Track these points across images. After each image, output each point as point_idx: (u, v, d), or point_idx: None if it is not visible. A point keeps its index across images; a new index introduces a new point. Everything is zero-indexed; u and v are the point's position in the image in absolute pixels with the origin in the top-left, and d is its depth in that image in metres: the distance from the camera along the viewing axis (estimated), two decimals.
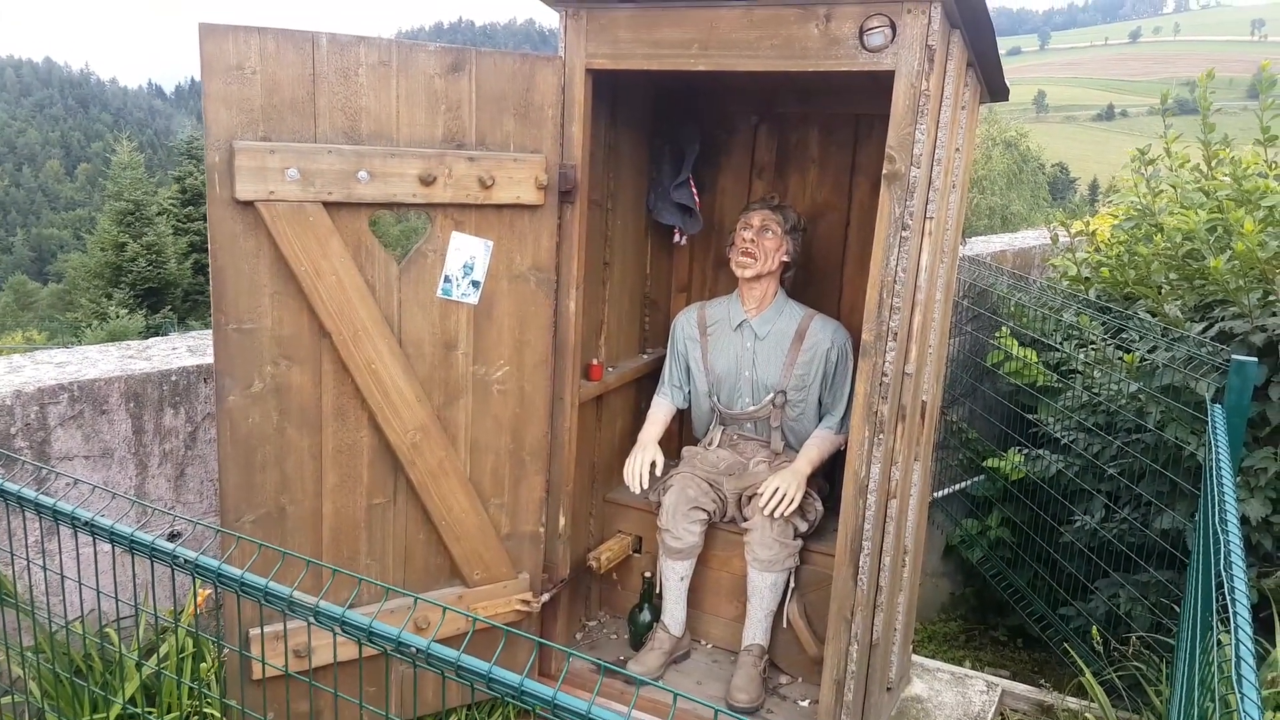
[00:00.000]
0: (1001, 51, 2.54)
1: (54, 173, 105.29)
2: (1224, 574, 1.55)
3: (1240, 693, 1.24)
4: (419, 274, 2.29)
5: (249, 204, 2.06)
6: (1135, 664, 2.80)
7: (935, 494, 4.47)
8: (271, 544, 1.60)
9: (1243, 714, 1.20)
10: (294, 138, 2.08)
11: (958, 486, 4.53)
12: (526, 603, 2.60)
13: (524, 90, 2.33)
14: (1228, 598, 1.51)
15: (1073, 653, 2.99)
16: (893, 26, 2.14)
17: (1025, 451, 3.91)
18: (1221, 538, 1.69)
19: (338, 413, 2.25)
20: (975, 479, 4.42)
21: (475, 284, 2.36)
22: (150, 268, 30.65)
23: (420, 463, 2.35)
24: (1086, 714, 2.82)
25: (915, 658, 3.15)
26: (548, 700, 1.19)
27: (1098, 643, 2.84)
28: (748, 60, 2.25)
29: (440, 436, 2.38)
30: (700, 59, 2.30)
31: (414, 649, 1.29)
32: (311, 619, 1.38)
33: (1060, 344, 3.80)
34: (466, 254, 2.33)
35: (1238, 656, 1.32)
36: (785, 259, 2.88)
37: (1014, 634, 4.26)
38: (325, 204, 2.11)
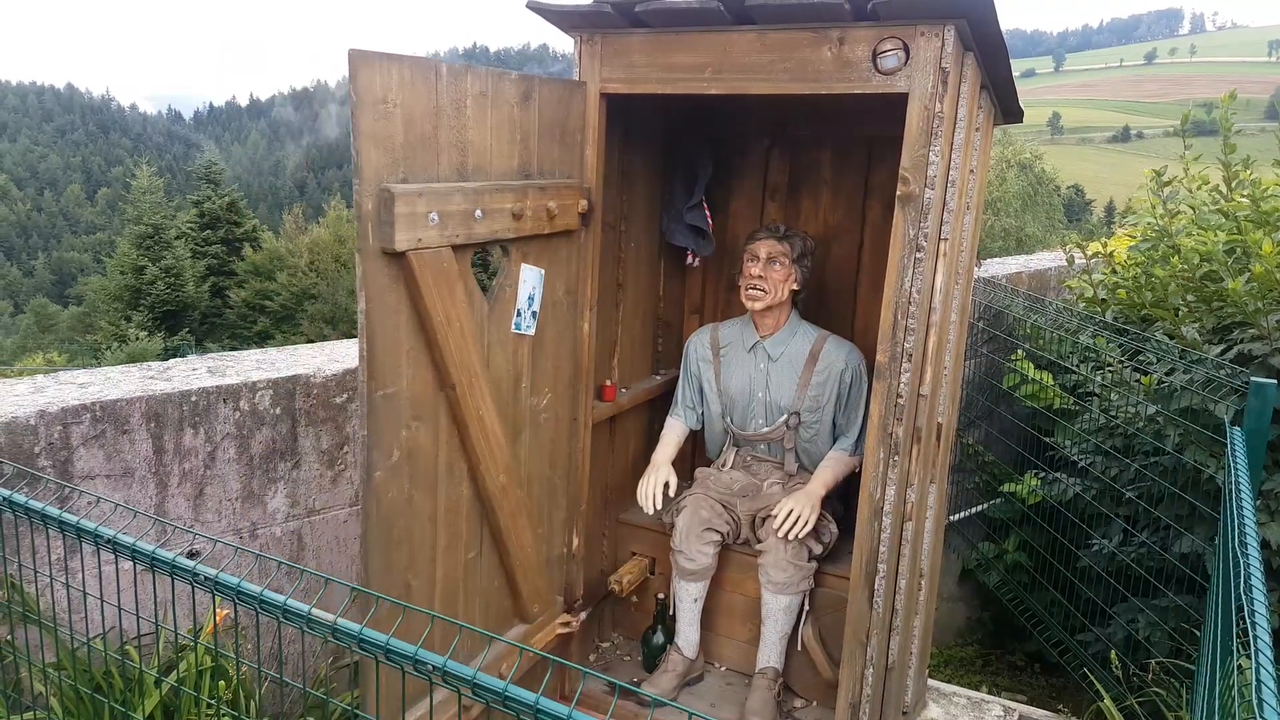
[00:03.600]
0: (1016, 73, 2.55)
1: (75, 197, 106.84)
2: (1244, 597, 1.54)
3: (1261, 717, 1.23)
4: (500, 311, 2.20)
5: (400, 255, 1.83)
6: (1155, 690, 2.77)
7: (951, 517, 4.44)
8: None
9: None
10: (426, 177, 1.89)
11: (974, 510, 4.50)
12: (568, 624, 2.61)
13: (565, 116, 2.34)
14: (1248, 621, 1.49)
15: (1092, 678, 2.96)
16: (906, 49, 2.15)
17: (1042, 475, 3.89)
18: (1241, 560, 1.67)
19: (448, 469, 2.11)
20: (992, 502, 4.39)
21: (535, 314, 2.32)
22: (169, 290, 31.05)
23: (503, 507, 2.27)
24: None
25: (931, 682, 3.12)
26: (563, 718, 1.20)
27: (1116, 668, 2.81)
28: (761, 83, 2.27)
29: (514, 475, 2.29)
30: (714, 82, 2.32)
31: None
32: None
33: (1077, 366, 3.78)
34: (530, 285, 2.29)
35: (1258, 680, 1.31)
36: (795, 287, 2.88)
37: (1032, 659, 4.21)
38: (453, 247, 1.95)
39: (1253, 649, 1.39)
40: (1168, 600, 3.08)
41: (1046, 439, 3.98)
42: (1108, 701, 2.78)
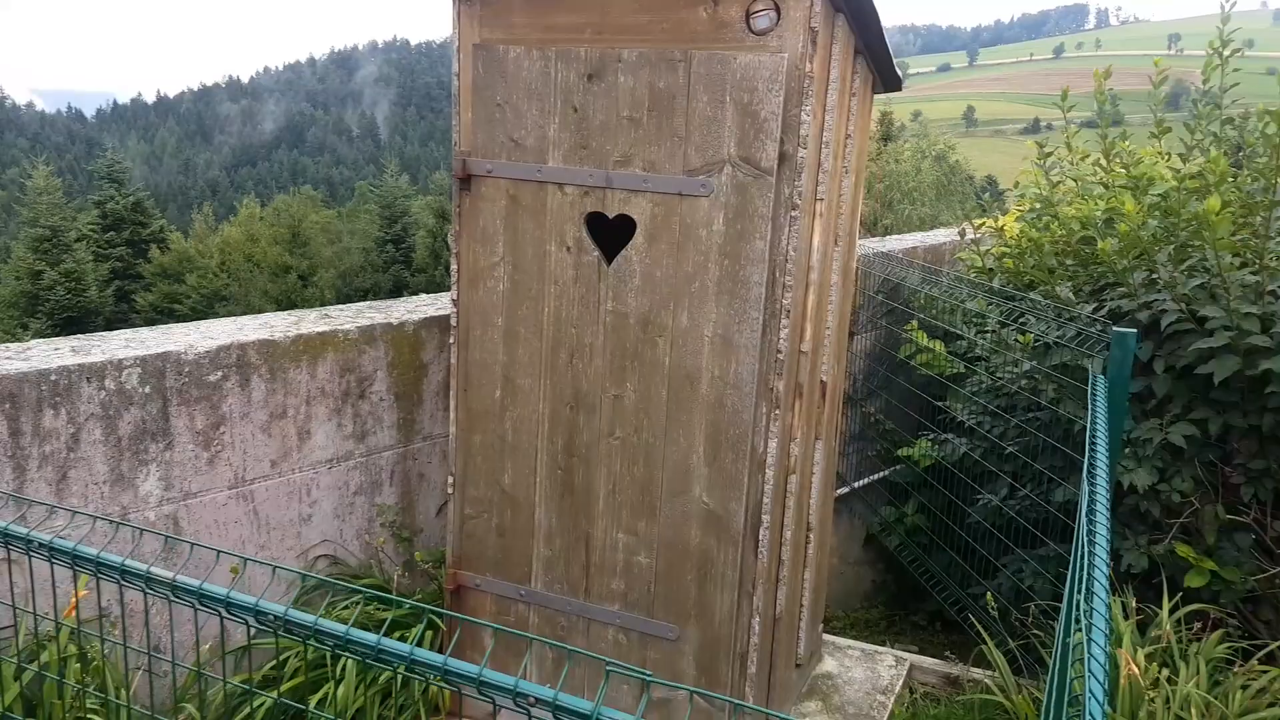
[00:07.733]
0: (931, 68, 2.64)
1: None
2: (1085, 515, 1.60)
3: (1091, 605, 1.28)
4: None
5: None
6: (1034, 632, 2.88)
7: (855, 484, 4.54)
8: None
9: (1090, 619, 1.24)
10: None
11: (875, 476, 4.61)
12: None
13: None
14: (1085, 545, 1.56)
15: (979, 625, 3.06)
16: (777, 10, 2.19)
17: (934, 437, 4.00)
18: (1087, 488, 1.74)
19: None
20: (894, 468, 4.50)
21: None
22: (69, 296, 29.57)
23: None
24: (987, 682, 2.89)
25: (827, 636, 3.18)
26: (438, 667, 1.17)
27: (993, 609, 2.92)
28: (640, 43, 2.28)
29: None
30: (594, 42, 2.32)
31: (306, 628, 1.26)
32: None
33: (965, 332, 3.90)
34: None
35: (1089, 590, 1.37)
36: None
37: (933, 618, 4.34)
38: None
39: (1087, 563, 1.45)
40: (1049, 549, 3.20)
41: (940, 404, 4.10)
42: (990, 644, 2.88)
